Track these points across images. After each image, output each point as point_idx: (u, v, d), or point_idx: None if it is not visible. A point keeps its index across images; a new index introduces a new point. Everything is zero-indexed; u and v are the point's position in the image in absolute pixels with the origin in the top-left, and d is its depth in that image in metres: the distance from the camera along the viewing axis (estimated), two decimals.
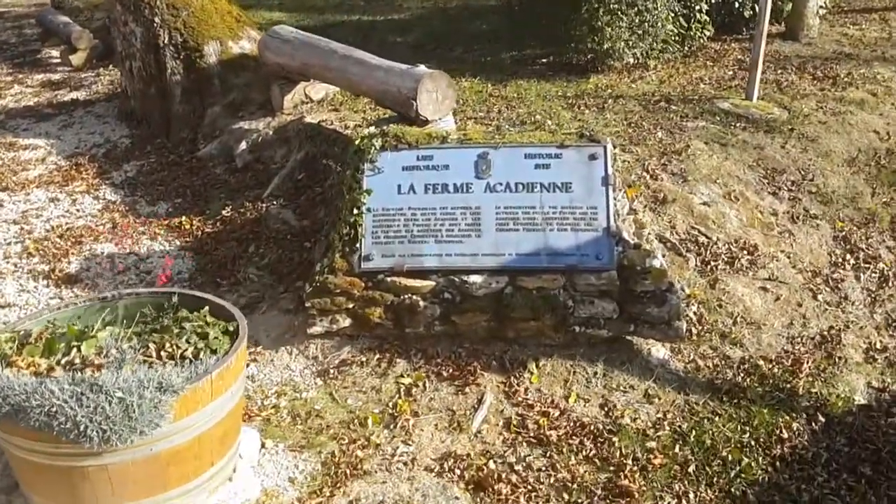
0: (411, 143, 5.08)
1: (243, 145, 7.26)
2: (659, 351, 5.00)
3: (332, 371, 4.79)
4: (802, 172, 6.85)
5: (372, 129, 5.26)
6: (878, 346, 5.38)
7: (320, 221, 5.93)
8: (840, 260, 6.07)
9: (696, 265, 5.65)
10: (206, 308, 3.81)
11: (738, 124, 7.27)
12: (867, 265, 6.06)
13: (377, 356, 4.87)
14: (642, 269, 4.77)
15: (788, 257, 5.97)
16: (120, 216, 6.64)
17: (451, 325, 4.88)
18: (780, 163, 6.87)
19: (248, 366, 4.81)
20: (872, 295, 5.82)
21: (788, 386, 4.90)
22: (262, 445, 4.16)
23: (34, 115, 9.52)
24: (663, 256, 5.43)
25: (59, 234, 6.32)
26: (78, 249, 6.13)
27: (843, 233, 6.33)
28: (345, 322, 4.89)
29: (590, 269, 4.80)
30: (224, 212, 6.45)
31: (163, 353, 3.47)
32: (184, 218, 6.49)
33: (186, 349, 3.52)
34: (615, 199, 4.94)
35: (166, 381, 3.18)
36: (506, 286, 4.83)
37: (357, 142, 5.12)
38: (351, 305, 4.86)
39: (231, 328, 3.74)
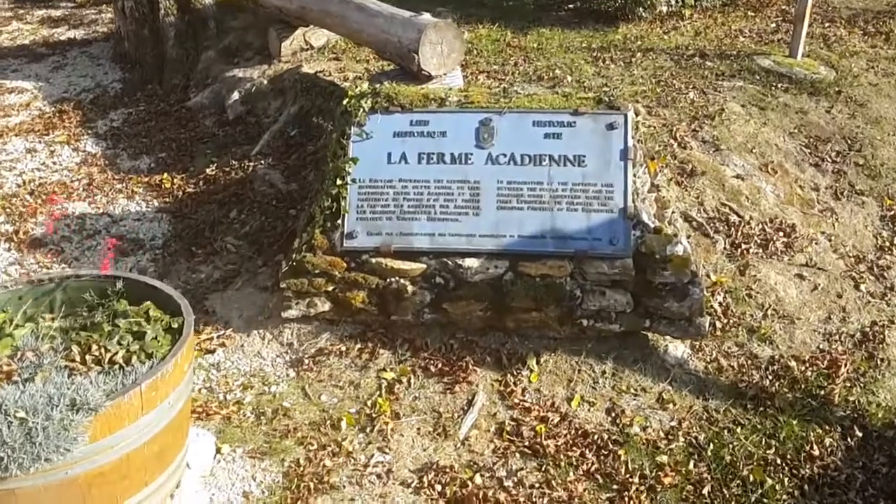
0: (405, 106, 4.48)
1: (235, 95, 6.69)
2: (677, 348, 4.43)
3: (307, 361, 4.28)
4: (849, 142, 6.15)
5: (363, 86, 4.65)
6: None
7: (308, 186, 5.37)
8: (887, 244, 5.41)
9: (724, 248, 5.03)
10: (148, 302, 3.28)
11: (779, 85, 6.54)
12: None
13: (358, 346, 4.35)
14: (662, 258, 4.18)
15: (829, 240, 5.32)
16: (98, 171, 6.13)
17: (442, 314, 4.34)
18: (824, 130, 6.17)
19: (213, 352, 4.32)
20: None
21: (822, 392, 4.33)
22: (218, 451, 3.68)
23: (27, 55, 8.98)
24: (688, 238, 4.82)
25: (31, 191, 5.84)
26: (48, 208, 5.63)
27: (893, 212, 5.65)
28: (324, 306, 4.36)
29: (602, 255, 4.21)
30: (209, 170, 5.92)
31: (88, 357, 2.97)
32: (165, 175, 5.97)
33: (117, 353, 3.01)
34: (635, 175, 4.32)
35: (81, 398, 2.68)
36: (505, 272, 4.26)
37: (344, 102, 4.52)
38: (331, 288, 4.33)
39: (176, 325, 3.22)
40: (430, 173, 4.36)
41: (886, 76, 6.97)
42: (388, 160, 4.39)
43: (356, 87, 4.66)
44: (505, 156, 4.35)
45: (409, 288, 4.27)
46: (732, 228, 5.14)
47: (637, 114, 4.50)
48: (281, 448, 3.77)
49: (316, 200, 4.42)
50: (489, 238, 4.26)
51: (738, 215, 5.23)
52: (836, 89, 6.61)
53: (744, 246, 5.06)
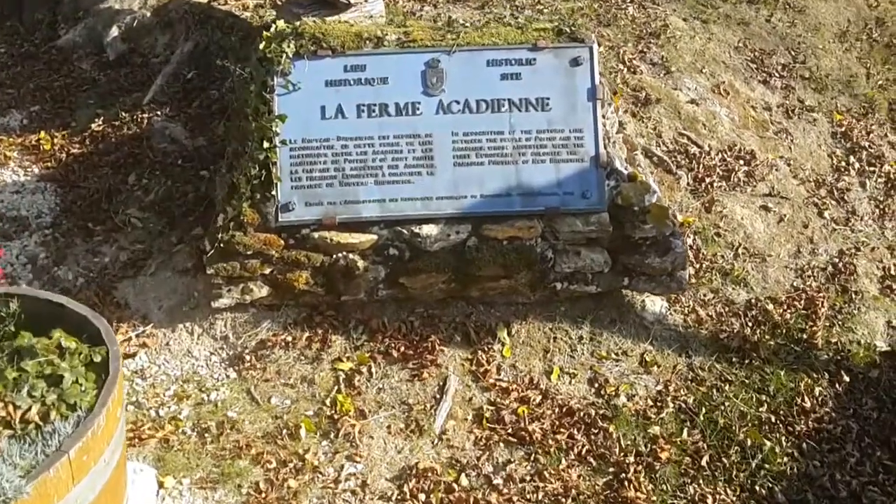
0: (335, 48, 3.80)
1: (115, 31, 5.74)
2: (655, 303, 4.08)
3: (248, 357, 3.70)
4: (793, 53, 5.84)
5: (279, 24, 3.92)
6: (894, 271, 4.59)
7: (219, 141, 4.64)
8: (843, 164, 5.19)
9: (688, 184, 4.67)
10: (59, 332, 2.61)
11: None
12: (872, 168, 5.21)
13: (306, 333, 3.78)
14: (641, 209, 3.76)
15: (788, 164, 5.05)
16: None
17: (399, 289, 3.82)
18: (767, 42, 5.83)
19: (135, 356, 3.68)
20: (881, 206, 5.01)
21: (804, 336, 4.12)
22: (161, 486, 3.10)
23: None
24: (651, 175, 4.42)
25: None
26: None
27: (843, 128, 5.43)
28: (261, 291, 3.76)
29: (575, 211, 3.76)
30: (94, 125, 5.05)
31: None
32: (43, 134, 5.07)
33: (30, 408, 2.36)
34: (604, 116, 3.84)
35: None
36: (468, 237, 3.76)
37: (261, 46, 3.80)
38: (268, 270, 3.72)
39: (99, 356, 2.59)
40: (372, 128, 3.74)
41: None
42: (321, 115, 3.74)
43: (272, 25, 3.93)
44: (458, 103, 3.77)
45: (360, 263, 3.71)
46: (693, 161, 4.78)
47: (599, 45, 3.97)
48: (235, 472, 3.22)
49: (239, 166, 3.74)
50: (448, 200, 3.73)
51: (698, 145, 4.86)
52: None
53: (707, 180, 4.71)
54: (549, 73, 3.80)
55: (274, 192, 3.68)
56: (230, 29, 5.24)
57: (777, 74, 5.61)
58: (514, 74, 3.79)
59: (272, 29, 3.92)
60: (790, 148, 5.14)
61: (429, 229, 3.69)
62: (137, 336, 3.77)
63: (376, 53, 3.80)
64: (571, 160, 3.77)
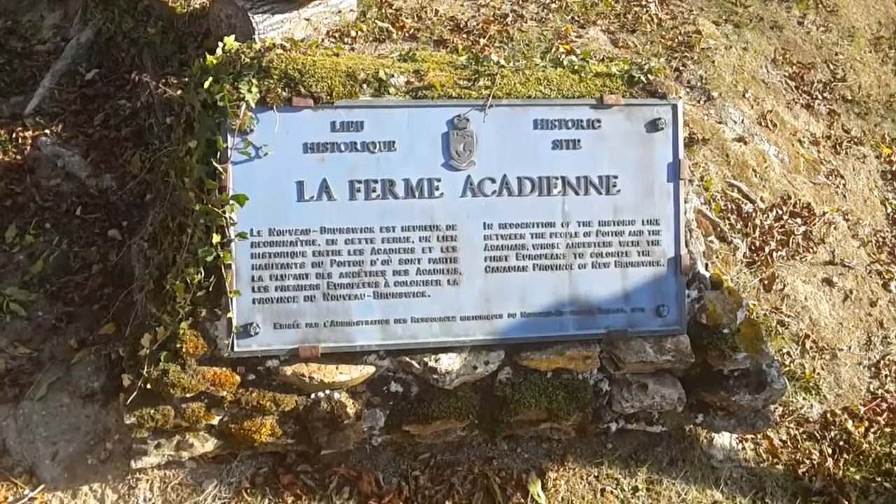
0: (319, 96, 2.61)
1: None
2: (723, 436, 3.15)
3: None
4: (832, 66, 4.96)
5: (229, 42, 2.69)
6: None
7: (132, 181, 3.41)
8: None
9: (744, 255, 3.72)
10: None
11: None
12: None
13: (270, 502, 2.68)
14: (731, 331, 2.78)
15: (846, 219, 4.19)
16: None
17: (401, 435, 2.75)
18: (804, 52, 4.93)
19: None
20: None
21: (894, 468, 3.27)
22: None
23: None
24: (706, 253, 3.45)
25: None
26: None
27: (893, 165, 4.59)
28: (205, 445, 2.63)
29: (646, 333, 2.74)
30: None
31: None
32: None
33: None
34: (685, 201, 2.81)
35: None
36: (500, 368, 2.71)
37: (206, 85, 2.56)
38: (217, 419, 2.58)
39: None
40: (372, 216, 2.60)
41: None
42: (298, 195, 2.58)
43: (219, 44, 2.69)
44: (493, 181, 2.67)
45: (350, 407, 2.61)
46: (748, 222, 3.85)
47: (679, 97, 2.89)
48: None
49: (173, 267, 2.55)
50: (476, 321, 2.65)
51: (750, 200, 3.92)
52: None
53: (765, 248, 3.78)
54: (618, 141, 2.73)
55: (227, 307, 2.52)
56: (145, 15, 3.93)
57: (819, 95, 4.71)
58: (571, 141, 2.71)
59: (218, 51, 2.69)
60: (844, 196, 4.27)
61: (448, 361, 2.62)
62: None
63: (378, 105, 2.62)
64: (643, 264, 2.74)
